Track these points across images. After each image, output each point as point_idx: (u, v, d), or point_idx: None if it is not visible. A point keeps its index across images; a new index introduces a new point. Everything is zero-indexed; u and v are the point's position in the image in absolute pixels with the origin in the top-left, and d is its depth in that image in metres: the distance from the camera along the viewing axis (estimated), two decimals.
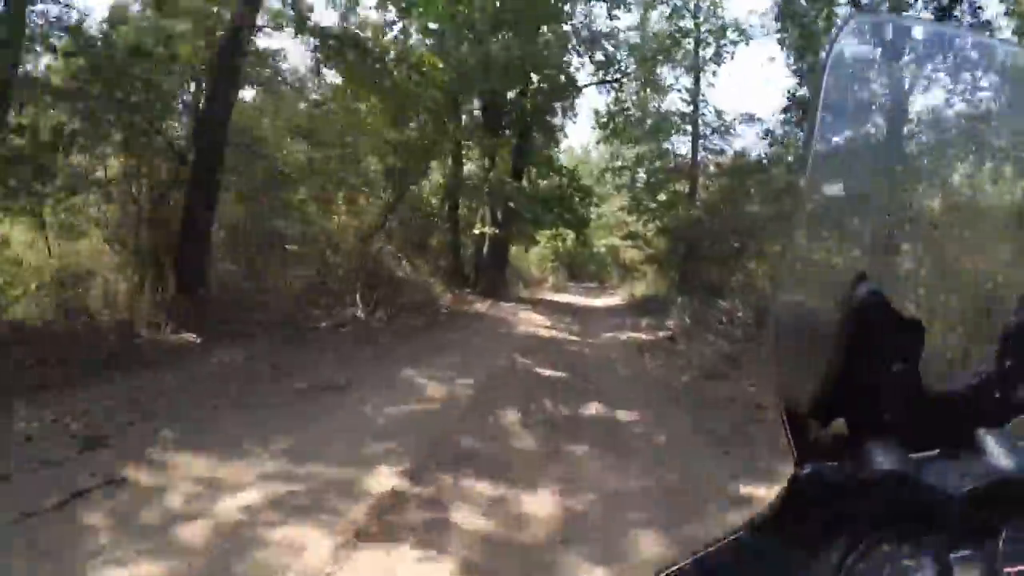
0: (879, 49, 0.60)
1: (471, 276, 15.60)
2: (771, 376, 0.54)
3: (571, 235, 21.60)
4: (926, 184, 0.71)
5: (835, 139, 0.58)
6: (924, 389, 0.55)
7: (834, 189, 0.56)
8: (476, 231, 15.36)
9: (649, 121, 18.24)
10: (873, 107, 0.64)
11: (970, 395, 0.58)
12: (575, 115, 18.41)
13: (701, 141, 17.32)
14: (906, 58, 0.63)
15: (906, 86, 0.64)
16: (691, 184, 16.58)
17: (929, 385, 0.55)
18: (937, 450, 0.58)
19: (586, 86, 17.51)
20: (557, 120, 18.35)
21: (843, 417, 0.55)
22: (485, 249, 15.61)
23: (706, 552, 0.51)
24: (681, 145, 18.09)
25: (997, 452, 0.56)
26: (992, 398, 0.58)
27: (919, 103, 0.69)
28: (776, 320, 0.53)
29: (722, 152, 17.27)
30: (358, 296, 9.69)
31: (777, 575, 0.52)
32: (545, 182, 17.41)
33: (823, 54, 0.52)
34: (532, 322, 10.98)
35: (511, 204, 15.02)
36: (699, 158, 17.21)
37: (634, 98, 18.08)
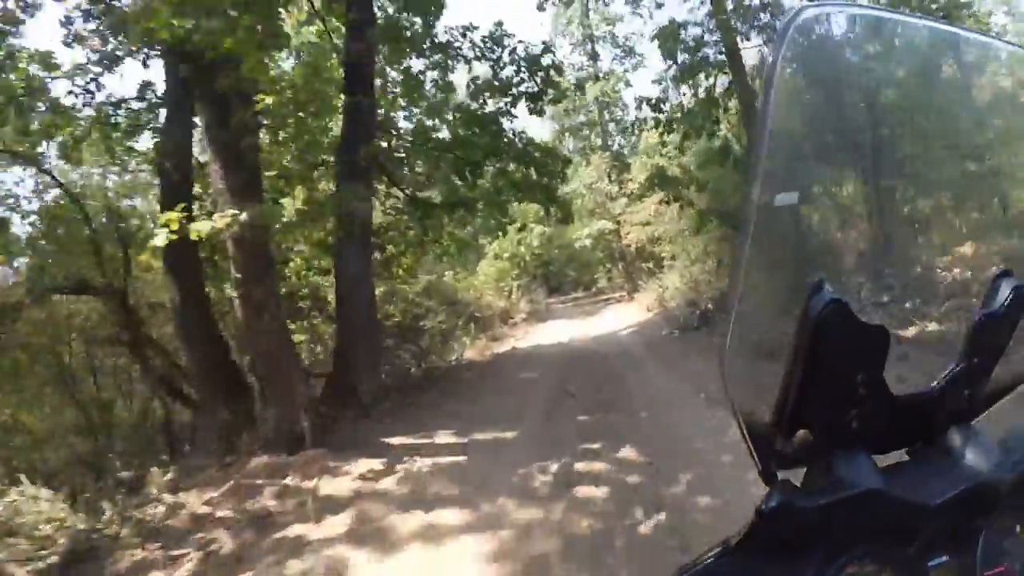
0: (833, 36, 0.58)
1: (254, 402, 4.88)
2: (725, 390, 0.52)
3: (535, 227, 14.85)
4: (884, 181, 0.69)
5: (788, 138, 0.55)
6: (890, 393, 0.55)
7: (788, 196, 0.54)
8: (196, 232, 3.88)
9: None
10: (828, 102, 0.61)
11: (938, 395, 0.58)
12: None
13: None
14: (861, 47, 0.61)
15: (860, 72, 0.61)
16: (734, 73, 8.28)
17: (895, 388, 0.54)
18: (905, 449, 0.57)
19: None
20: None
21: (807, 427, 0.53)
22: (256, 302, 4.27)
23: (683, 574, 0.49)
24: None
25: (967, 452, 0.56)
26: (960, 396, 0.59)
27: (876, 94, 0.66)
28: (731, 331, 0.51)
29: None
30: None
31: None
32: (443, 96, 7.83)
33: (774, 45, 0.49)
34: None
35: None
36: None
37: None
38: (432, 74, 7.57)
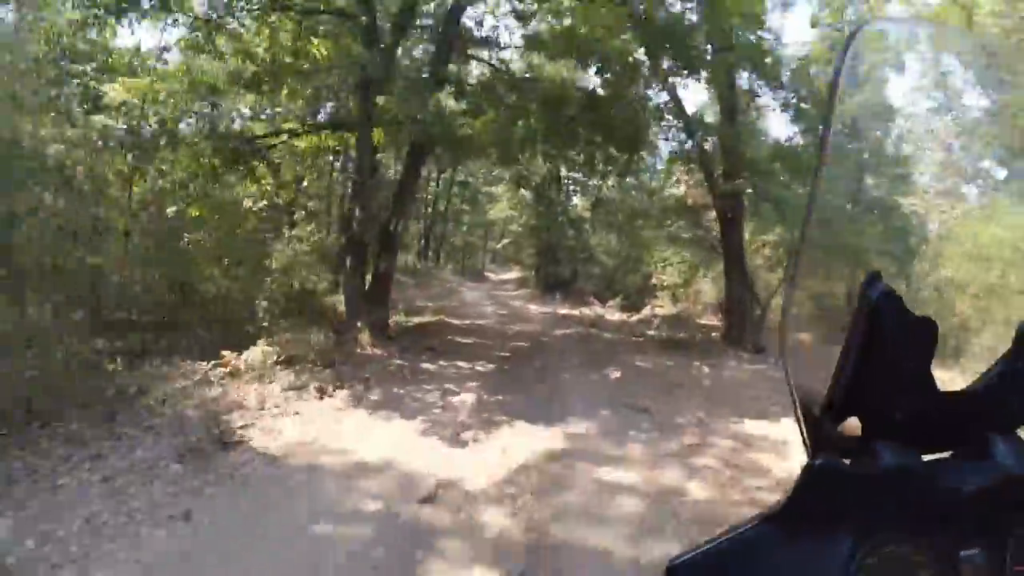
0: (893, 53, 0.61)
1: None
2: (785, 373, 0.55)
3: None
4: (940, 187, 0.72)
5: (849, 141, 0.58)
6: (937, 389, 0.56)
7: (849, 189, 0.57)
8: None
9: None
10: (887, 110, 0.65)
11: (983, 396, 0.59)
12: None
13: None
14: (920, 62, 0.64)
15: (920, 89, 0.64)
16: None
17: (942, 385, 0.56)
18: (949, 451, 0.59)
19: None
20: None
21: (856, 415, 0.56)
22: None
23: (718, 542, 0.52)
24: None
25: (1007, 455, 0.56)
26: (1005, 400, 0.58)
27: (934, 105, 0.69)
28: (789, 318, 0.54)
29: None
30: None
31: (788, 567, 0.52)
32: None
33: (837, 59, 0.53)
34: None
35: None
36: None
37: None
38: None
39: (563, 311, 14.57)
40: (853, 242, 0.63)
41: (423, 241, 28.01)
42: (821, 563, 0.53)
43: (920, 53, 0.64)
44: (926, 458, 0.57)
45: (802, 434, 0.56)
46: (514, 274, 27.39)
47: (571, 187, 20.75)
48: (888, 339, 0.53)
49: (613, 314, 13.93)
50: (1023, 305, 0.66)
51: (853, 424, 0.58)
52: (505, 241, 28.24)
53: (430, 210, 27.55)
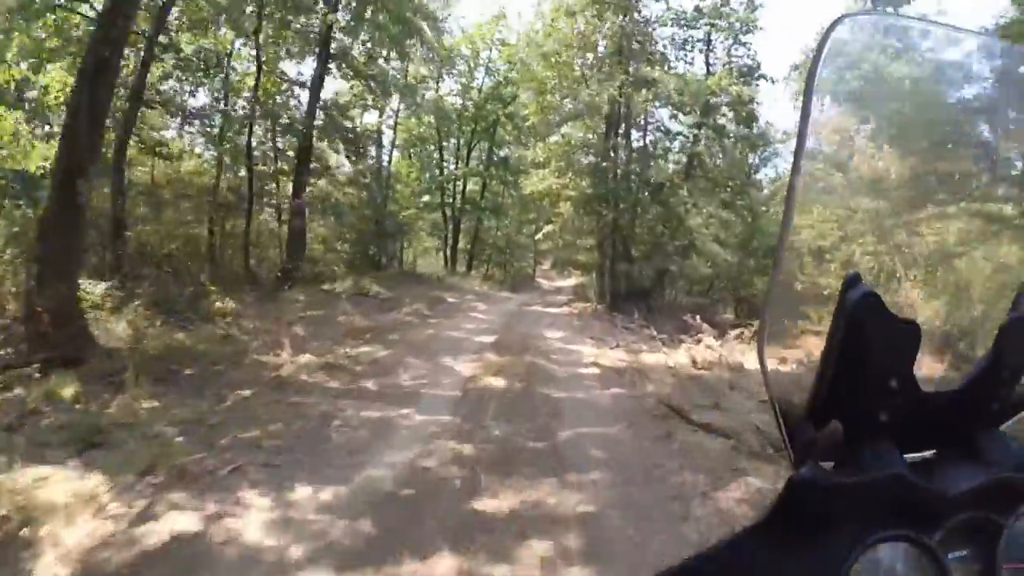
0: (871, 46, 0.60)
1: None
2: (764, 379, 0.54)
3: None
4: (919, 183, 0.71)
5: (827, 137, 0.57)
6: (920, 390, 0.55)
7: (827, 188, 0.56)
8: None
9: None
10: (865, 105, 0.64)
11: (966, 395, 0.59)
12: None
13: None
14: (898, 55, 0.63)
15: (898, 83, 0.64)
16: None
17: (925, 386, 0.55)
18: (933, 451, 0.58)
19: None
20: None
21: (838, 419, 0.55)
22: None
23: (700, 556, 0.51)
24: None
25: (992, 453, 0.57)
26: (988, 398, 0.58)
27: (911, 99, 0.68)
28: (768, 321, 0.53)
29: None
30: None
31: None
32: None
33: (814, 51, 0.52)
34: None
35: None
36: None
37: None
38: None
39: (652, 358, 7.82)
40: (834, 239, 0.62)
41: (449, 240, 21.84)
42: (808, 573, 0.52)
43: (901, 47, 0.63)
44: (910, 459, 0.57)
45: (784, 442, 0.55)
46: (574, 280, 20.16)
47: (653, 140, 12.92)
48: (869, 343, 0.53)
49: (743, 351, 7.78)
50: (1003, 301, 0.65)
51: (836, 428, 0.57)
52: (547, 228, 18.19)
53: (454, 199, 20.91)
